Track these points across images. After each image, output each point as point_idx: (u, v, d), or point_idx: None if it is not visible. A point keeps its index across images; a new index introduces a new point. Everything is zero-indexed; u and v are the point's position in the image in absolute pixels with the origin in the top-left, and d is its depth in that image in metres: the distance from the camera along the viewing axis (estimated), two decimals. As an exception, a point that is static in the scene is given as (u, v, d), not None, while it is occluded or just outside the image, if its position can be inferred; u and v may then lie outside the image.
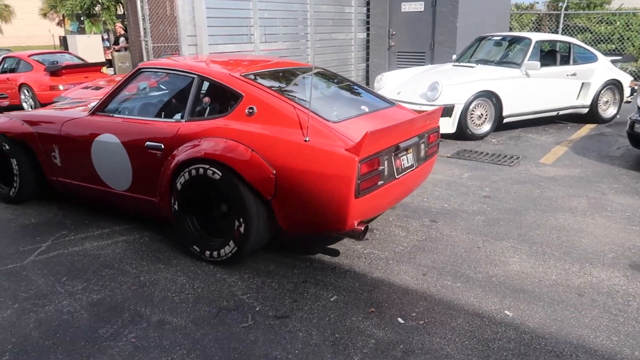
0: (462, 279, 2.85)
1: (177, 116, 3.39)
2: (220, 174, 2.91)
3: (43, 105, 9.50)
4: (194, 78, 3.36)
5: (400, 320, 2.47)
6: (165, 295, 2.71)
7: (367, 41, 10.09)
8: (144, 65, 3.79)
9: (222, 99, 3.39)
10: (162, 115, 3.63)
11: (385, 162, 2.96)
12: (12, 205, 4.14)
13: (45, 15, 29.34)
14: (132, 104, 3.92)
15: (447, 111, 5.92)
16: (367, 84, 10.25)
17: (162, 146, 3.24)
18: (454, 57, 7.54)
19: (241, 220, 2.90)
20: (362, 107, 3.54)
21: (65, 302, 2.66)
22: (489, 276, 2.88)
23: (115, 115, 3.67)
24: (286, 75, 3.78)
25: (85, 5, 18.13)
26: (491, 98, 6.25)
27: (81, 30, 23.43)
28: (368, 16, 9.84)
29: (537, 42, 6.72)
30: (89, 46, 14.54)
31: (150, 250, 3.27)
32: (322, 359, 2.19)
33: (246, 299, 2.67)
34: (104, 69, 11.92)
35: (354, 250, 3.24)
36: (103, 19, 18.53)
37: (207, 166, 2.96)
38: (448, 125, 6.03)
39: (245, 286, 2.80)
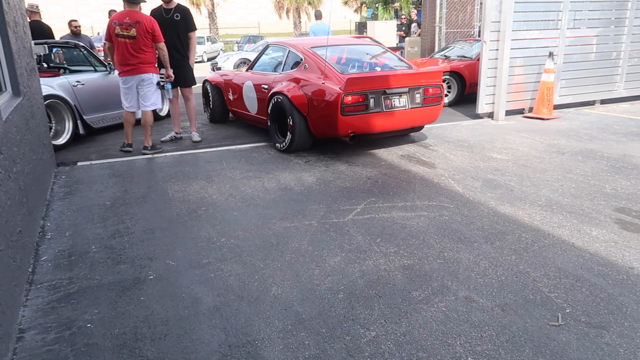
0: None
1: (278, 70, 6.02)
2: (283, 100, 5.40)
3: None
4: (286, 49, 6.07)
5: None
6: (469, 275, 2.84)
7: None
8: (269, 43, 6.83)
9: (297, 60, 5.76)
10: (272, 70, 6.21)
11: (372, 98, 5.04)
12: (331, 168, 4.88)
13: (345, 3, 32.84)
14: (262, 65, 6.62)
15: None
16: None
17: (267, 87, 5.88)
18: None
19: (293, 126, 5.33)
20: (376, 67, 5.75)
21: (381, 260, 3.03)
22: None
23: (254, 71, 6.58)
24: (339, 47, 6.03)
25: (386, -7, 19.65)
26: None
27: (374, 17, 25.38)
28: None
29: None
30: (384, 31, 15.68)
31: (451, 230, 3.45)
32: (650, 384, 1.99)
33: (554, 297, 2.59)
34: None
35: (685, 273, 2.79)
36: (397, 5, 19.72)
37: (280, 97, 5.47)
38: None
39: (552, 285, 2.71)
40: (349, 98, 4.90)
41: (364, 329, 2.36)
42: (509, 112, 7.33)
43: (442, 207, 3.86)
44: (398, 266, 2.95)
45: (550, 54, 7.09)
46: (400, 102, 5.21)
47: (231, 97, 6.97)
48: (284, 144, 5.56)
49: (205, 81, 7.64)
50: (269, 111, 5.74)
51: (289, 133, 5.42)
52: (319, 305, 2.57)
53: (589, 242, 3.20)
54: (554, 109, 7.35)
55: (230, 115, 7.52)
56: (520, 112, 7.55)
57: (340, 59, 5.75)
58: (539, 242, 3.22)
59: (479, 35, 11.56)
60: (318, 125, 5.24)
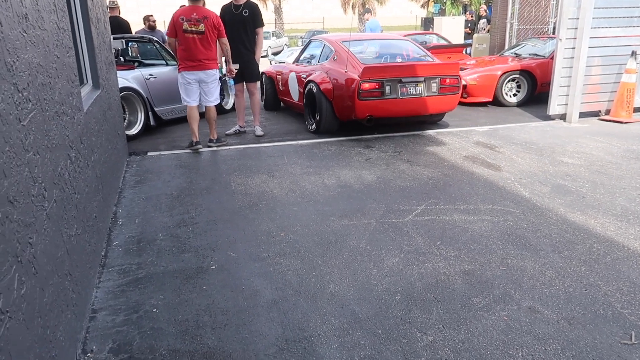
0: None
1: (315, 62, 6.84)
2: (314, 87, 6.22)
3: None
4: (323, 43, 6.87)
5: None
6: (533, 285, 2.73)
7: None
8: (312, 38, 7.55)
9: (330, 53, 6.51)
10: (311, 62, 6.99)
11: (388, 86, 5.70)
12: (391, 167, 4.83)
13: (413, -3, 32.26)
14: (305, 57, 7.39)
15: None
16: None
17: (306, 76, 6.59)
18: None
19: (320, 109, 6.13)
20: (398, 59, 6.49)
21: (441, 264, 2.97)
22: None
23: (298, 63, 7.37)
24: (374, 41, 7.06)
25: (455, -13, 19.12)
26: None
27: (441, 12, 24.79)
28: None
29: None
30: (451, 27, 15.29)
31: (515, 236, 3.32)
32: None
33: (627, 314, 2.44)
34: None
35: None
36: (466, 0, 19.10)
37: (312, 84, 6.30)
38: None
39: (626, 300, 2.55)
40: (366, 85, 5.62)
41: (421, 333, 2.33)
42: (583, 114, 6.95)
43: (506, 211, 3.73)
44: (458, 271, 2.88)
45: (633, 53, 6.64)
46: (416, 90, 5.83)
47: (281, 87, 7.76)
48: (313, 125, 6.40)
49: (262, 73, 8.25)
50: (304, 97, 6.59)
51: (317, 115, 6.19)
52: (375, 305, 2.56)
53: (668, 257, 2.98)
54: (634, 112, 6.90)
55: (282, 104, 8.27)
56: (595, 114, 7.13)
57: (370, 52, 6.59)
58: (612, 254, 3.04)
59: (553, 33, 11.02)
60: (340, 108, 5.98)
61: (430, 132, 6.41)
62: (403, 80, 5.75)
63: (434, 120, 6.71)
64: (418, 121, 6.65)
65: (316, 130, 6.32)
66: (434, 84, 5.86)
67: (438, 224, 3.54)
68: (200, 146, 5.74)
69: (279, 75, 7.83)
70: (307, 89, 6.45)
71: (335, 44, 6.48)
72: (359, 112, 5.77)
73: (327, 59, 6.47)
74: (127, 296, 2.69)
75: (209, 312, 2.53)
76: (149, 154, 5.69)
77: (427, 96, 5.87)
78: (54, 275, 1.96)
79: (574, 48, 6.58)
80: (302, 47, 7.63)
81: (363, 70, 5.63)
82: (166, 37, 9.44)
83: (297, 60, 7.56)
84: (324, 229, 3.49)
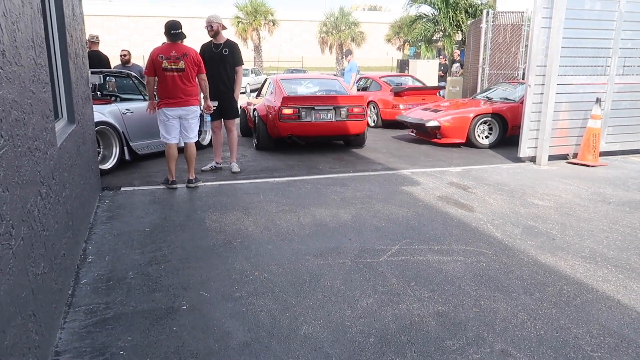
0: None
1: (265, 95, 8.59)
2: (257, 113, 8.03)
3: (384, 121, 10.95)
4: (269, 80, 8.62)
5: None
6: (506, 327, 2.74)
7: None
8: (267, 78, 9.34)
9: (271, 88, 8.19)
10: (264, 95, 8.70)
11: (303, 111, 7.44)
12: (367, 206, 4.86)
13: (389, 40, 33.30)
14: (263, 92, 9.07)
15: None
16: None
17: (256, 107, 8.18)
18: None
19: (259, 130, 7.96)
20: (317, 92, 8.38)
21: (415, 305, 2.97)
22: None
23: (258, 97, 9.06)
24: (301, 80, 8.98)
25: (429, 33, 19.84)
26: None
27: (416, 55, 25.58)
28: None
29: None
30: (426, 69, 15.76)
31: (488, 277, 3.35)
32: None
33: (597, 357, 2.46)
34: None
35: None
36: (439, 44, 19.82)
37: (255, 111, 8.11)
38: None
39: (595, 343, 2.58)
40: (285, 110, 7.38)
41: (395, 377, 2.30)
42: (552, 157, 7.18)
43: (479, 252, 3.78)
44: (432, 312, 2.89)
45: (598, 100, 6.94)
46: (327, 116, 7.54)
47: (251, 116, 9.09)
48: (255, 142, 8.27)
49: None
50: (253, 121, 8.49)
51: (258, 134, 8.02)
52: (349, 348, 2.53)
53: (636, 300, 3.04)
54: (600, 156, 7.15)
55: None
56: (564, 157, 7.37)
57: (300, 87, 8.48)
58: (582, 297, 3.09)
59: (522, 78, 11.46)
60: (271, 129, 7.75)
61: (405, 171, 6.51)
62: (316, 107, 7.48)
63: (357, 143, 8.32)
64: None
65: (256, 147, 8.17)
66: (343, 112, 7.58)
67: (412, 264, 3.56)
68: (176, 185, 5.67)
69: (246, 107, 9.52)
70: (254, 115, 8.30)
71: (274, 81, 8.30)
72: (281, 131, 7.55)
73: (269, 93, 8.26)
74: (93, 338, 2.60)
75: (178, 355, 2.46)
76: (122, 189, 5.61)
77: (336, 121, 7.58)
78: (17, 317, 1.89)
79: (542, 94, 6.85)
80: (261, 84, 9.54)
81: (282, 99, 7.42)
82: (144, 72, 9.52)
83: (258, 95, 9.29)
84: (299, 269, 3.46)
